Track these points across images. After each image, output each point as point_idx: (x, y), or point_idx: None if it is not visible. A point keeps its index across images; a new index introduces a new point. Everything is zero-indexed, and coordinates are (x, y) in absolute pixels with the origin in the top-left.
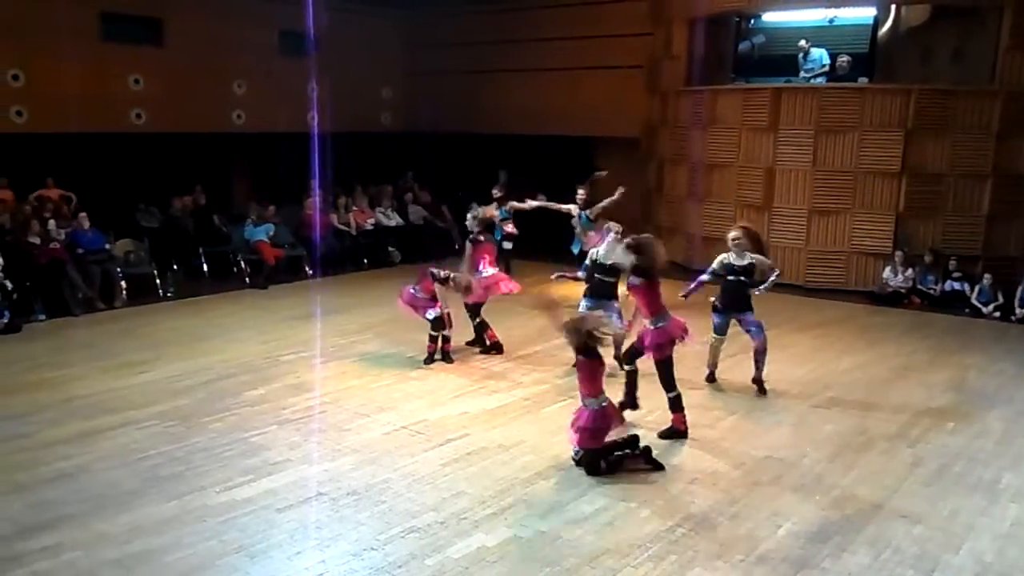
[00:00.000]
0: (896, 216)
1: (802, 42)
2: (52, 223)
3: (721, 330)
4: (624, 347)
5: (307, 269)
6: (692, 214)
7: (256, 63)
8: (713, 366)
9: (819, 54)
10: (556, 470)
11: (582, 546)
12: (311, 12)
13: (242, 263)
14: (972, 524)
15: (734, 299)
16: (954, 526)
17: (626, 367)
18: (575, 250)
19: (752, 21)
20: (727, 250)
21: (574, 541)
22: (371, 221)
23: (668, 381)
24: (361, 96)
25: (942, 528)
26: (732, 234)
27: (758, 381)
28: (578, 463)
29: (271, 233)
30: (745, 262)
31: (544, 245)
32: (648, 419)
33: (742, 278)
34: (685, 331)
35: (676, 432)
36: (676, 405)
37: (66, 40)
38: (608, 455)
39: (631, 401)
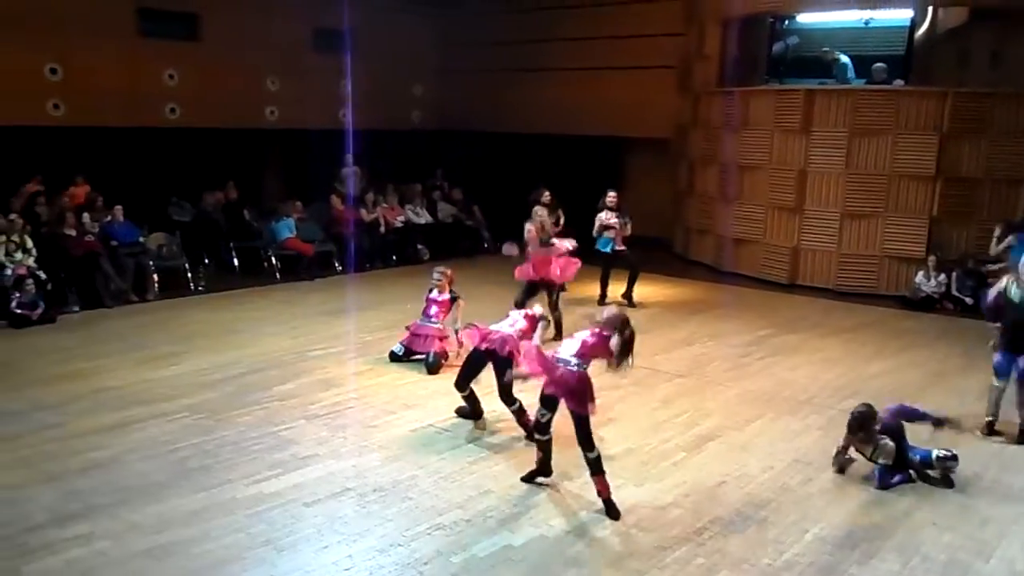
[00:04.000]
0: (930, 220)
1: (825, 49)
2: (87, 216)
3: (1003, 372)
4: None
5: (336, 265)
6: (723, 216)
7: (290, 59)
8: (994, 415)
9: (846, 64)
10: (583, 470)
11: (608, 547)
12: (345, 9)
13: (272, 259)
14: (1003, 532)
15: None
16: (985, 534)
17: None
18: (606, 248)
19: (786, 22)
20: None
21: (600, 542)
22: (401, 218)
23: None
24: (392, 93)
25: (972, 536)
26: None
27: None
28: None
29: (292, 229)
30: None
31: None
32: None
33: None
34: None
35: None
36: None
37: (104, 35)
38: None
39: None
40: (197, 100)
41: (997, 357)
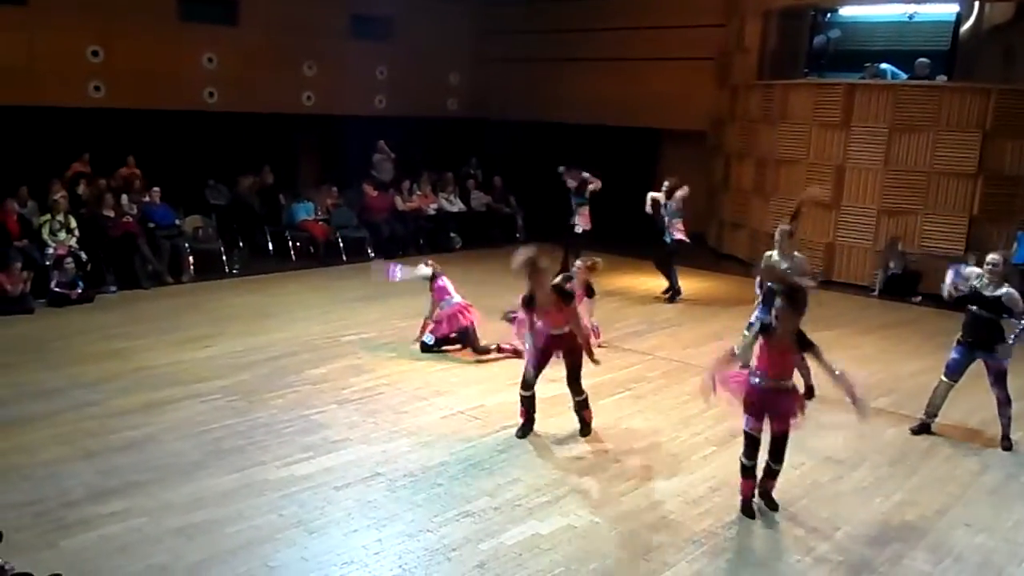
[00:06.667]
0: (969, 219)
1: (867, 65)
2: (125, 197)
3: (954, 370)
4: None
5: (369, 251)
6: (758, 210)
7: (327, 45)
8: (932, 414)
9: (886, 70)
10: (611, 462)
11: (636, 539)
12: None
13: (290, 242)
14: None
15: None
16: (1019, 536)
17: None
18: (669, 240)
19: (828, 15)
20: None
21: (628, 533)
22: (434, 206)
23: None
24: (429, 81)
25: (1006, 538)
26: (990, 257)
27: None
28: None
29: (309, 211)
30: (998, 293)
31: (618, 236)
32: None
33: (984, 312)
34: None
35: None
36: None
37: (144, 18)
38: None
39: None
40: (235, 84)
41: (953, 354)
